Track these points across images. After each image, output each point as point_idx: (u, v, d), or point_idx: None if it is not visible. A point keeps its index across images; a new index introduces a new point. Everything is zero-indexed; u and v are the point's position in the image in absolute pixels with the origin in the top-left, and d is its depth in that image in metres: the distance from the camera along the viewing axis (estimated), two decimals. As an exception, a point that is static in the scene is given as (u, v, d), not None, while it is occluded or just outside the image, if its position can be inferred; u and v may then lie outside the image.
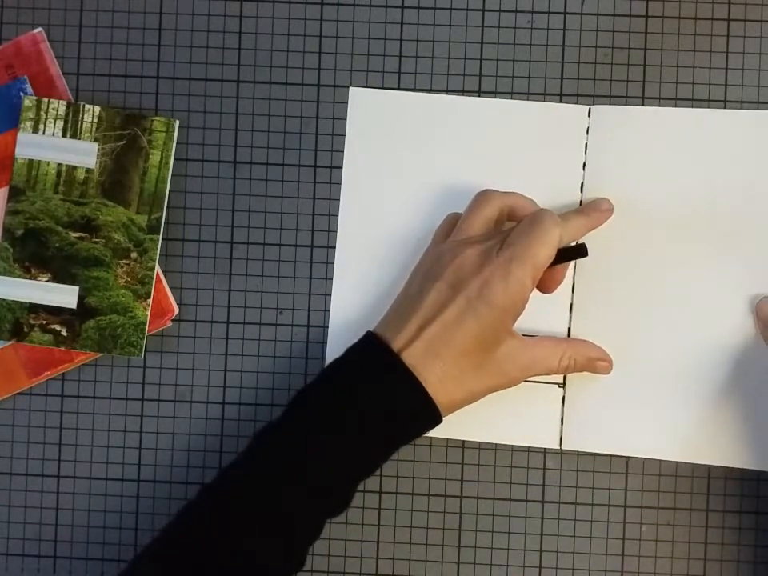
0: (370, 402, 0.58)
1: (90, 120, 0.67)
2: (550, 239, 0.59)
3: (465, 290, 0.59)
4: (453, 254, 0.60)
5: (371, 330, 0.61)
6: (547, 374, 0.64)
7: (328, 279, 0.68)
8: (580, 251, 0.62)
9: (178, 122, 0.68)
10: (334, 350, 0.67)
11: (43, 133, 0.67)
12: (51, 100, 0.67)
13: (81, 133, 0.67)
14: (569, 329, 0.66)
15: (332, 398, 0.59)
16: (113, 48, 0.68)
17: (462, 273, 0.59)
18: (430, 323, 0.59)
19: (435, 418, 0.59)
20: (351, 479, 0.59)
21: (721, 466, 0.66)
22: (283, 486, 0.58)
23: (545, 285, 0.63)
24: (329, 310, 0.68)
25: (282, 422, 0.60)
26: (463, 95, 0.67)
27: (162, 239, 0.67)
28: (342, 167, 0.68)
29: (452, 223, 0.64)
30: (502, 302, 0.58)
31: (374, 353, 0.60)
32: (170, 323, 0.68)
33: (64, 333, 0.67)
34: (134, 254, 0.67)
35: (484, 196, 0.63)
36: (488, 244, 0.60)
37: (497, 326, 0.59)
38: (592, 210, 0.64)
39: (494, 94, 0.67)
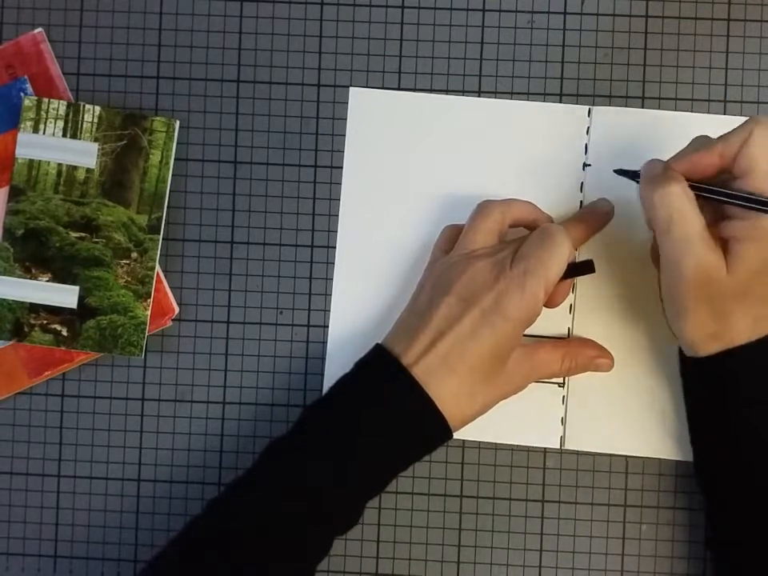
0: (381, 424, 0.58)
1: (90, 120, 0.67)
2: (562, 253, 0.58)
3: (479, 303, 0.58)
4: (462, 267, 0.60)
5: (380, 342, 0.61)
6: (550, 377, 0.64)
7: (328, 279, 0.68)
8: (588, 267, 0.61)
9: (178, 122, 0.68)
10: (334, 350, 0.67)
11: (43, 133, 0.67)
12: (51, 100, 0.67)
13: (81, 133, 0.67)
14: (569, 329, 0.66)
15: (341, 419, 0.59)
16: (113, 48, 0.68)
17: (475, 286, 0.59)
18: (442, 337, 0.58)
19: (446, 436, 0.59)
20: (361, 500, 0.59)
21: (720, 466, 0.66)
22: (293, 508, 0.57)
23: (551, 299, 0.61)
24: (329, 310, 0.68)
25: (292, 442, 0.59)
26: (463, 95, 0.67)
27: (163, 239, 0.67)
28: (342, 167, 0.68)
29: (450, 237, 0.64)
30: (518, 315, 0.58)
31: (383, 369, 0.59)
32: (170, 323, 0.68)
33: (64, 333, 0.67)
34: (134, 254, 0.67)
35: (485, 207, 0.62)
36: (498, 257, 0.59)
37: (511, 339, 0.59)
38: (590, 214, 0.64)
39: (494, 94, 0.67)
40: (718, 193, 0.56)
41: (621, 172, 0.61)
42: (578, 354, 0.63)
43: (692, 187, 0.56)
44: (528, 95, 0.67)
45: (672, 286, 0.57)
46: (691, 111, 0.67)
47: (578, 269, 0.61)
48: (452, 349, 0.58)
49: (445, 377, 0.58)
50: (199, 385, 0.68)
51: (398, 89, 0.68)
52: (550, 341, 0.62)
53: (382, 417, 0.58)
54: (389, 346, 0.60)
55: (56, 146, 0.67)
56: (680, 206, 0.55)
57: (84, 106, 0.67)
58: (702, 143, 0.57)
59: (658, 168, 0.57)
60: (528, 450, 0.67)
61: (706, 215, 0.56)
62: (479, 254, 0.60)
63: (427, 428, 0.59)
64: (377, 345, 0.61)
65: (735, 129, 0.56)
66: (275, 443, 0.60)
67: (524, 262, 0.58)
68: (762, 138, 0.55)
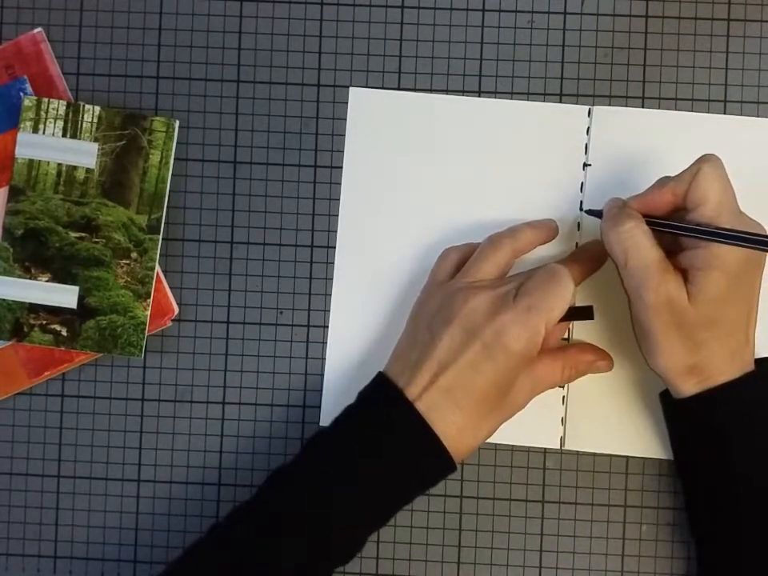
0: (383, 459, 0.58)
1: (90, 120, 0.67)
2: (566, 294, 0.58)
3: (480, 336, 0.58)
4: (464, 296, 0.59)
5: (382, 371, 0.60)
6: (552, 388, 0.63)
7: (328, 279, 0.68)
8: (587, 313, 0.62)
9: (177, 122, 0.68)
10: (334, 351, 0.67)
11: (43, 133, 0.67)
12: (51, 100, 0.67)
13: (81, 133, 0.67)
14: (569, 332, 0.66)
15: (344, 451, 0.58)
16: (113, 48, 0.68)
17: (477, 317, 0.58)
18: (445, 370, 0.58)
19: (450, 471, 0.59)
20: (362, 533, 0.59)
21: (721, 466, 0.66)
22: (296, 540, 0.57)
23: (544, 340, 0.60)
24: (329, 310, 0.68)
25: (295, 472, 0.59)
26: (463, 95, 0.67)
27: (162, 239, 0.67)
28: (342, 167, 0.68)
29: (452, 262, 0.64)
30: (519, 349, 0.57)
31: (387, 405, 0.59)
32: (170, 323, 0.68)
33: (64, 333, 0.67)
34: (134, 254, 0.67)
35: (496, 241, 0.62)
36: (501, 290, 0.59)
37: (513, 371, 0.58)
38: (585, 255, 0.64)
39: (494, 94, 0.67)
40: (670, 226, 0.59)
41: (590, 212, 0.64)
42: (576, 362, 0.63)
43: (649, 223, 0.59)
44: (528, 95, 0.67)
45: (638, 318, 0.59)
46: (691, 111, 0.67)
47: (577, 313, 0.61)
48: (456, 382, 0.58)
49: (449, 411, 0.58)
50: (199, 385, 0.68)
51: (398, 89, 0.68)
52: (547, 352, 0.61)
53: (385, 452, 0.58)
54: (392, 377, 0.59)
55: (56, 146, 0.67)
56: (635, 240, 0.58)
57: (84, 106, 0.67)
58: (662, 182, 0.60)
59: (617, 206, 0.60)
60: (528, 450, 0.67)
61: (667, 248, 0.59)
62: (483, 285, 0.60)
63: (432, 465, 0.58)
64: (379, 375, 0.60)
65: (686, 168, 0.59)
66: (275, 475, 0.60)
67: (528, 298, 0.58)
68: (709, 173, 0.57)
